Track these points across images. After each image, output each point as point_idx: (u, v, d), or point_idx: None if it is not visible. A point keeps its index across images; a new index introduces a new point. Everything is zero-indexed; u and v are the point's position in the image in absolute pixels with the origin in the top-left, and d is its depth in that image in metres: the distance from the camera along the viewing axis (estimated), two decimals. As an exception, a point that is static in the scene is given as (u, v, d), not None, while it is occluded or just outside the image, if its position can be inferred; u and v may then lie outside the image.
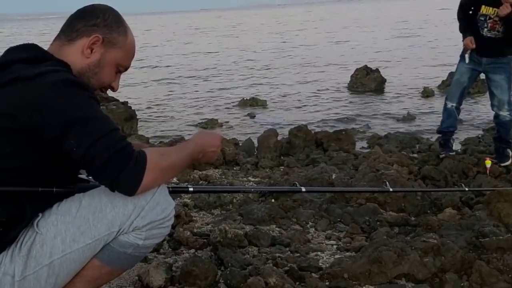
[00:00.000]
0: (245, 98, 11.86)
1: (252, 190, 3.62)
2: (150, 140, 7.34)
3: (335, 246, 3.23)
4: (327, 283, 2.64)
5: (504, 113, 5.20)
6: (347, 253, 3.08)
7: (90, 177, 1.95)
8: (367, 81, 12.65)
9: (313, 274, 2.72)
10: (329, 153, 5.97)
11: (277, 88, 13.80)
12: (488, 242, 2.85)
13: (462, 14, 5.28)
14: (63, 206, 1.80)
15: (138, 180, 1.73)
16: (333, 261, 2.88)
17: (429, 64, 16.38)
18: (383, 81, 12.79)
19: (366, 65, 13.27)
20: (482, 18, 5.06)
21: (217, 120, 9.79)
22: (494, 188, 4.01)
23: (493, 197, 3.67)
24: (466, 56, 5.24)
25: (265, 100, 11.78)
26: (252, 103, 11.47)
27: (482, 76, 5.49)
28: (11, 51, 1.86)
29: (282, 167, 5.55)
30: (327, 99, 11.95)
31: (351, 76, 13.18)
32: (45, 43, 2.01)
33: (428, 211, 3.87)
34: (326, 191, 4.16)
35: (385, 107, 10.59)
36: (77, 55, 1.89)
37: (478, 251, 2.85)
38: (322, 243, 3.28)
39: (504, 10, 4.84)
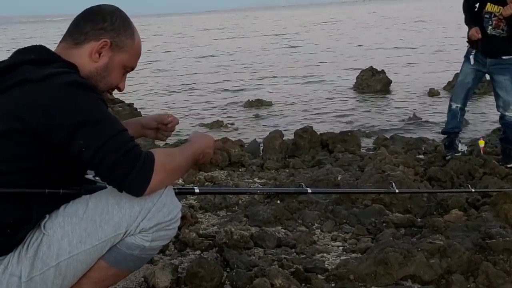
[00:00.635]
0: (250, 100, 11.88)
1: (258, 191, 3.62)
2: (155, 142, 7.35)
3: (341, 248, 3.22)
4: (333, 285, 2.64)
5: (510, 114, 5.18)
6: (353, 255, 3.07)
7: (97, 178, 1.96)
8: (373, 82, 12.64)
9: (319, 276, 2.72)
10: (335, 155, 5.97)
11: (282, 89, 13.81)
12: (494, 243, 2.83)
13: (467, 7, 5.27)
14: (70, 207, 1.81)
15: (146, 181, 1.74)
16: (339, 262, 2.88)
17: (434, 65, 16.35)
18: (388, 82, 12.77)
19: (371, 66, 13.26)
20: (487, 16, 5.04)
21: (222, 121, 9.80)
22: (501, 189, 3.99)
23: (500, 198, 3.66)
24: (471, 57, 5.23)
25: (271, 101, 11.79)
26: (258, 105, 11.48)
27: (488, 76, 5.47)
28: (19, 52, 1.87)
29: (288, 168, 5.55)
30: (332, 100, 11.95)
31: (357, 77, 13.18)
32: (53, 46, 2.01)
33: (434, 213, 3.86)
34: (332, 192, 4.15)
35: (390, 108, 10.57)
36: (85, 59, 1.89)
37: (484, 252, 2.84)
38: (328, 245, 3.28)
39: (508, 10, 4.83)
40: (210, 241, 3.12)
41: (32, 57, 1.80)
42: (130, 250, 1.83)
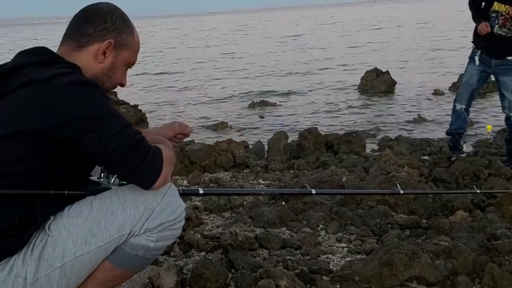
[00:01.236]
0: (255, 101, 11.88)
1: (263, 192, 3.62)
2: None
3: (345, 249, 3.22)
4: (338, 286, 2.63)
5: (515, 115, 5.17)
6: (358, 256, 3.07)
7: (101, 179, 1.97)
8: (377, 83, 12.63)
9: (323, 277, 2.71)
10: (340, 156, 5.96)
11: (287, 90, 13.80)
12: (500, 244, 2.83)
13: (473, 5, 5.25)
14: (74, 208, 1.81)
15: (157, 172, 1.77)
16: (344, 263, 2.87)
17: (439, 65, 16.32)
18: (393, 83, 12.76)
19: (376, 67, 13.25)
20: (494, 15, 5.02)
21: (227, 122, 9.80)
22: (506, 190, 3.98)
23: (505, 199, 3.65)
24: (476, 58, 5.22)
25: (275, 103, 11.80)
26: (262, 106, 11.48)
27: (493, 77, 5.45)
28: (22, 54, 1.88)
29: (292, 169, 5.55)
30: (337, 101, 11.94)
31: (361, 78, 13.17)
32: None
33: (440, 214, 3.85)
34: (336, 193, 4.14)
35: (395, 109, 10.55)
36: (89, 61, 1.90)
37: (490, 253, 2.83)
38: (333, 246, 3.27)
39: None
40: (215, 243, 3.12)
41: (36, 58, 1.81)
42: (134, 250, 1.84)
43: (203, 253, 3.04)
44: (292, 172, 5.44)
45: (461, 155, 5.42)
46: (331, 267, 2.87)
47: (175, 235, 1.93)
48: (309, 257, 3.02)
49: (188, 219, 3.36)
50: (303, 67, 18.55)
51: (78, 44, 1.90)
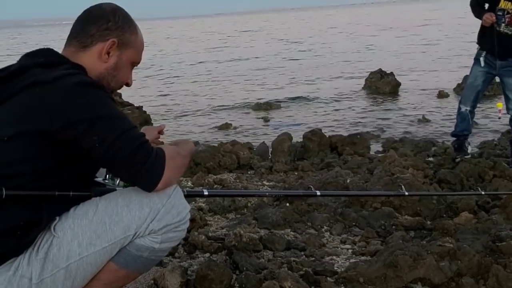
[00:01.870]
0: (259, 102, 11.88)
1: (267, 194, 3.62)
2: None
3: (350, 250, 3.22)
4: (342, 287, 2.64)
5: (520, 117, 5.16)
6: (363, 257, 3.07)
7: (106, 181, 1.97)
8: (382, 85, 12.61)
9: (328, 278, 2.72)
10: (344, 157, 5.96)
11: (291, 91, 13.79)
12: (505, 246, 2.82)
13: (475, 2, 5.23)
14: (80, 209, 1.82)
15: (159, 175, 1.77)
16: (348, 265, 2.88)
17: (443, 67, 16.29)
18: (397, 84, 12.73)
19: (380, 69, 13.24)
20: (500, 13, 4.99)
21: (231, 124, 9.81)
22: (511, 191, 3.97)
23: (510, 200, 3.64)
24: (481, 59, 5.20)
25: (279, 104, 11.79)
26: (266, 107, 11.47)
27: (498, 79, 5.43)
28: (27, 56, 1.89)
29: (297, 171, 5.54)
30: (341, 102, 11.93)
31: (366, 80, 13.15)
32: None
33: (444, 215, 3.85)
34: (341, 195, 4.14)
35: (400, 111, 10.53)
36: (94, 61, 1.91)
37: (494, 255, 2.82)
38: (337, 247, 3.27)
39: None
40: (219, 244, 3.13)
41: (41, 60, 1.82)
42: (139, 251, 1.84)
43: (207, 255, 3.04)
44: (296, 173, 5.44)
45: (465, 157, 5.41)
46: (335, 268, 2.87)
47: (179, 237, 1.93)
48: (313, 258, 3.03)
49: (192, 220, 3.36)
50: (307, 68, 18.54)
51: (82, 45, 1.92)
